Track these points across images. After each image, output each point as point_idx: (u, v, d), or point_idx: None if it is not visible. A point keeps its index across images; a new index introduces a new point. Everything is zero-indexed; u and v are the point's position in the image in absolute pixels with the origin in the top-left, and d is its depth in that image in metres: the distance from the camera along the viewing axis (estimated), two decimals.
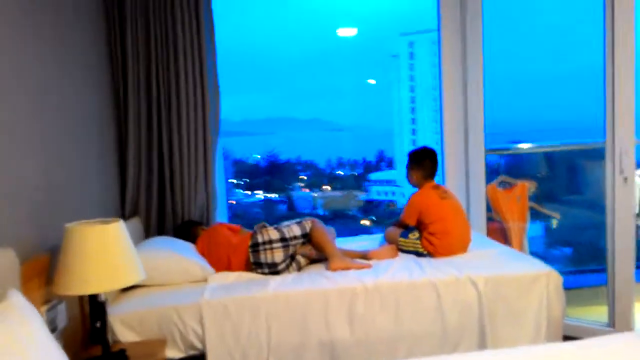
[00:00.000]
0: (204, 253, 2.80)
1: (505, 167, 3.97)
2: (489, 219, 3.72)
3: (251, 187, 9.62)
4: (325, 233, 2.84)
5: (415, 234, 2.94)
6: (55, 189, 2.20)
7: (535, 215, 3.80)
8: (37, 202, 2.02)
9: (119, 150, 3.15)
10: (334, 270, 2.64)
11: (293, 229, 2.83)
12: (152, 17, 3.08)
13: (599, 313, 3.28)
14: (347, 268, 2.64)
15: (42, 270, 1.92)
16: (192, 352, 2.35)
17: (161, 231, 3.22)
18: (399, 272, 2.59)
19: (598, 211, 3.34)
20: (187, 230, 3.03)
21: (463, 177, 3.53)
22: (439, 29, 3.51)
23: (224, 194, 3.53)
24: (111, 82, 3.10)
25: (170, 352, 2.33)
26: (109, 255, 1.85)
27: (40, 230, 2.03)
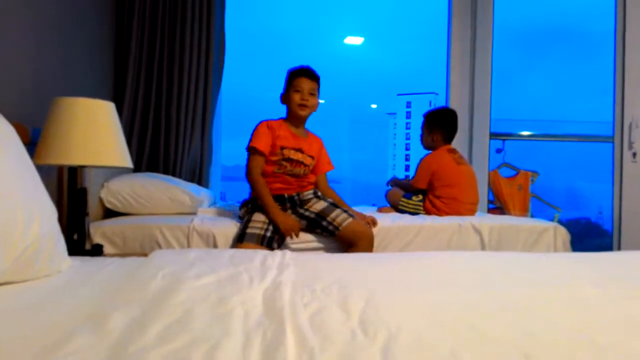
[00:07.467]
0: None
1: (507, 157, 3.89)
2: (490, 206, 3.62)
3: None
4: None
5: (419, 196, 2.80)
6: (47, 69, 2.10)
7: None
8: (24, 75, 1.91)
9: (115, 93, 3.07)
10: None
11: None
12: None
13: None
14: None
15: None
16: None
17: None
18: (396, 219, 2.45)
19: None
20: None
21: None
22: (449, 5, 3.51)
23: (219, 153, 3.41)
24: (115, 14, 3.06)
25: None
26: (97, 130, 1.72)
27: (24, 102, 1.90)
